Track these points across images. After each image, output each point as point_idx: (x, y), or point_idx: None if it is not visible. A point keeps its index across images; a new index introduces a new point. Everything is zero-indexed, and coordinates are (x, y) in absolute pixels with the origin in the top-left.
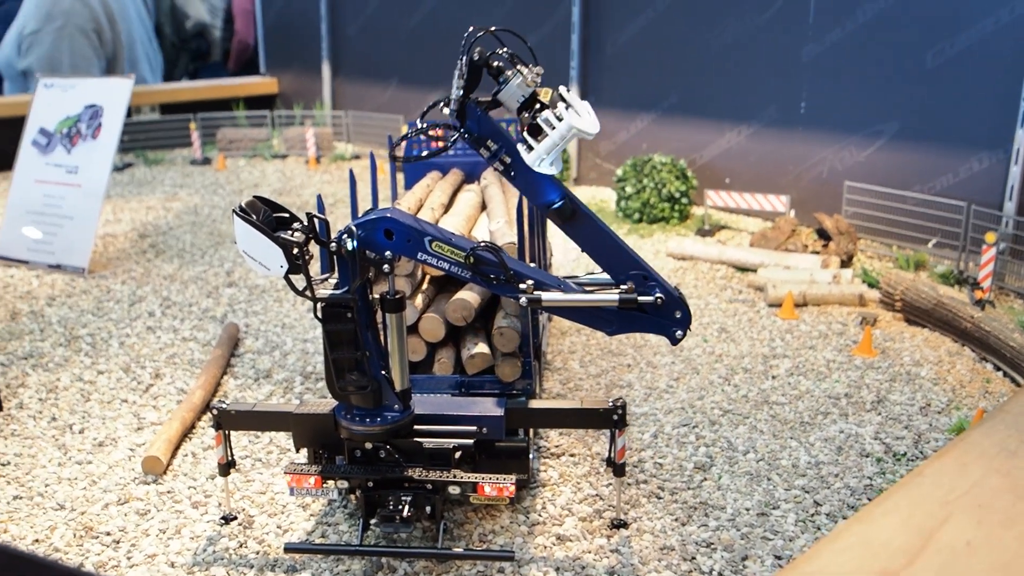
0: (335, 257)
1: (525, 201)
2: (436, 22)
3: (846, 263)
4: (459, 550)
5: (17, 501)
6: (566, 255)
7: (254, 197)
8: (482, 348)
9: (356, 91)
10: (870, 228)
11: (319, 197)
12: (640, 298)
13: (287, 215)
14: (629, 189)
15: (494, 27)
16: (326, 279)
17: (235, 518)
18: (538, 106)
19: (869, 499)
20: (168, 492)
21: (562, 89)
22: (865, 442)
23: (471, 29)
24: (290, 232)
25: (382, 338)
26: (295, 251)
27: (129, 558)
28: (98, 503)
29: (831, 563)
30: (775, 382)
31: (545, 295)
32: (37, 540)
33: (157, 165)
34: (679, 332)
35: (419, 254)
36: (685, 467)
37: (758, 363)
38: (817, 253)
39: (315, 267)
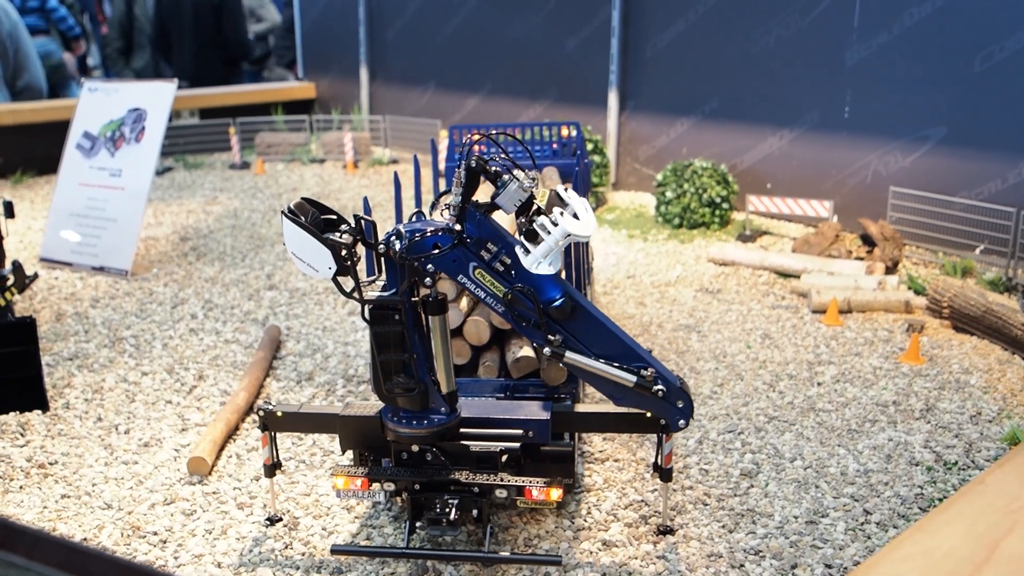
0: (383, 259)
1: None
2: (474, 27)
3: (891, 269)
4: (505, 554)
5: (65, 500)
6: (606, 259)
7: (302, 199)
8: (527, 352)
9: (394, 95)
10: (916, 234)
11: (365, 199)
12: (652, 387)
13: (334, 217)
14: (669, 194)
15: (493, 131)
16: (373, 281)
17: (280, 519)
18: (535, 208)
19: (920, 508)
20: (214, 493)
21: (559, 188)
22: (915, 450)
23: (469, 135)
24: (338, 234)
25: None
26: (343, 253)
27: (176, 558)
28: (145, 503)
29: (894, 572)
30: (821, 389)
31: (569, 353)
32: (85, 539)
33: (197, 169)
34: (682, 421)
35: (459, 276)
36: (731, 474)
37: (803, 370)
38: (861, 259)
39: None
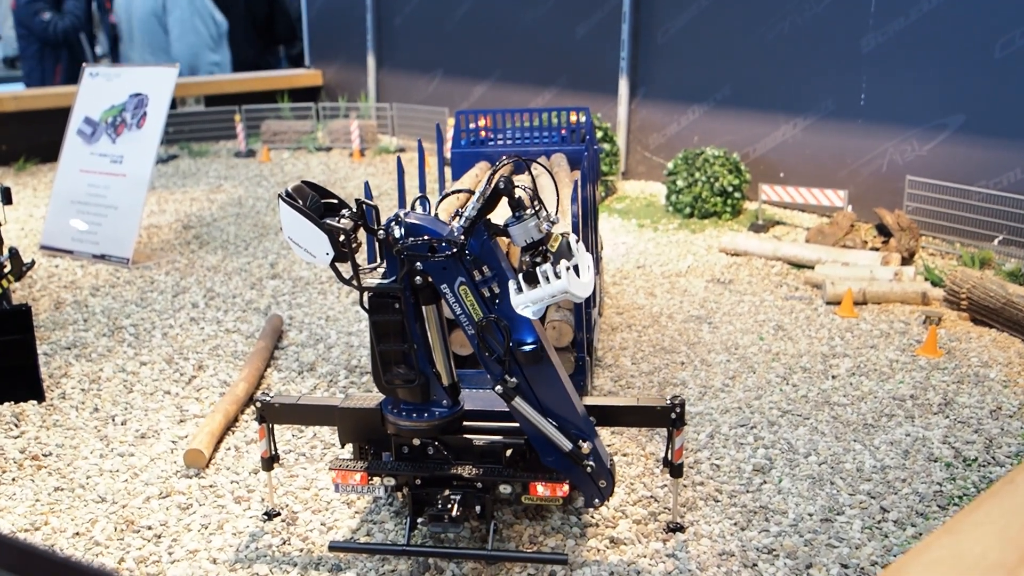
0: (383, 245)
1: (579, 190)
2: (482, 13)
3: (907, 260)
4: (510, 552)
5: (58, 493)
6: (615, 249)
7: (301, 182)
8: None
9: (401, 83)
10: (933, 224)
11: (366, 184)
12: (582, 460)
13: (335, 201)
14: (680, 183)
15: (532, 161)
16: (375, 268)
17: (278, 514)
18: (543, 250)
19: (939, 506)
20: (210, 486)
21: (572, 238)
22: (933, 446)
23: (503, 158)
24: (338, 219)
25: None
26: (342, 238)
27: (170, 553)
28: (140, 496)
29: None
30: (836, 382)
31: (518, 398)
32: (78, 533)
33: (201, 157)
34: (597, 500)
35: (443, 285)
36: (743, 469)
37: (817, 362)
38: (877, 250)
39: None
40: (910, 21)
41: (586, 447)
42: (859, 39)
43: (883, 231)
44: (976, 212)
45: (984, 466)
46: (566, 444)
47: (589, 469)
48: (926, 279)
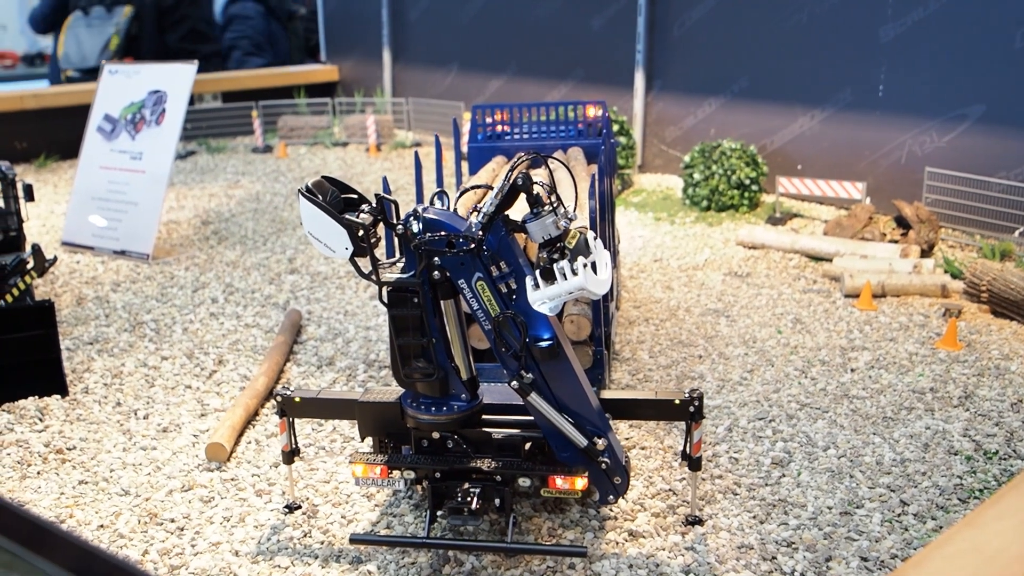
0: (402, 240)
1: (597, 184)
2: (497, 6)
3: (926, 252)
4: (529, 544)
5: (83, 486)
6: (632, 243)
7: (322, 177)
8: None
9: (416, 78)
10: (952, 216)
11: (384, 178)
12: (597, 456)
13: (355, 196)
14: (697, 176)
15: (549, 157)
16: (395, 263)
17: (299, 507)
18: (560, 247)
19: (960, 499)
20: (232, 479)
21: (589, 235)
22: (953, 439)
23: (520, 155)
24: (357, 213)
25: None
26: (361, 233)
27: (193, 545)
28: (162, 489)
29: (942, 569)
30: (855, 375)
31: (534, 394)
32: (102, 526)
33: (219, 153)
34: (611, 496)
35: (460, 280)
36: (762, 462)
37: (836, 355)
38: (896, 242)
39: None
40: (929, 11)
41: (601, 443)
42: (877, 29)
43: (902, 223)
44: (996, 204)
45: (1005, 459)
46: (581, 440)
47: (604, 466)
48: (946, 271)
